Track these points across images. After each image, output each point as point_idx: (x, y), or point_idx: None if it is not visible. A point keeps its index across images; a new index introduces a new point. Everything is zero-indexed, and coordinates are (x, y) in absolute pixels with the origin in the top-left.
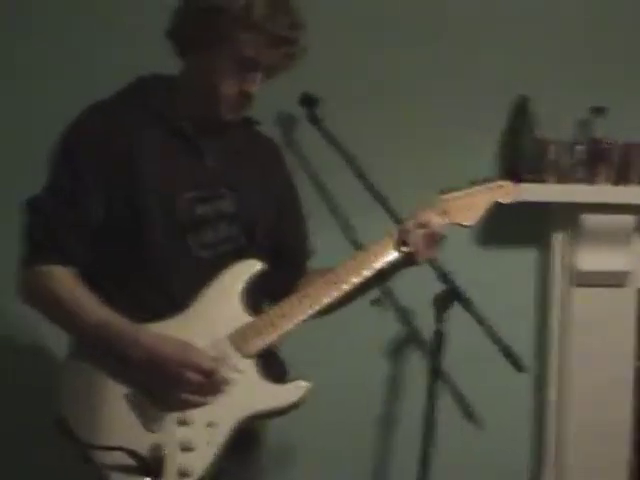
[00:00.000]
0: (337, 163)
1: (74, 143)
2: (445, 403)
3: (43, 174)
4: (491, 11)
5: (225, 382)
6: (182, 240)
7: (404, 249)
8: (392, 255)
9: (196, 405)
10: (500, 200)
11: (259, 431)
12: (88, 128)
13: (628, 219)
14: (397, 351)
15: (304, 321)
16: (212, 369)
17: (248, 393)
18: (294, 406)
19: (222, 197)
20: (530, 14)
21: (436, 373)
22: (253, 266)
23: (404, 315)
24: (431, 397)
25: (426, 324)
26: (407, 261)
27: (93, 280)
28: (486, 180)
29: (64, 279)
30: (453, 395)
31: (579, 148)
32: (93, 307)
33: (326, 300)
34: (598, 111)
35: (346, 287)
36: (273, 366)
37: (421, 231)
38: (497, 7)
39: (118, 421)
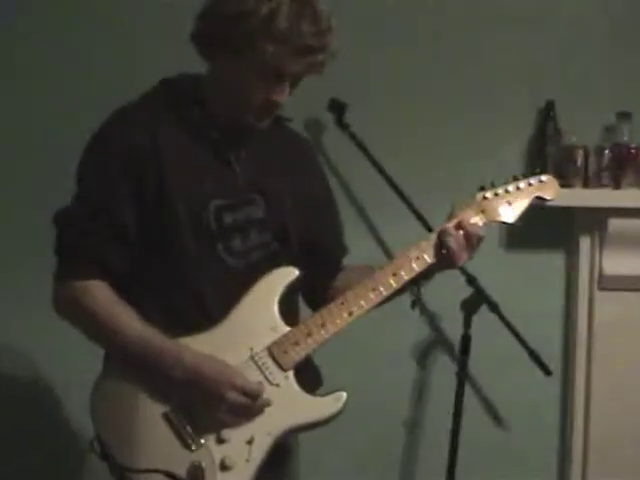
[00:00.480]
0: (365, 168)
1: (102, 151)
2: (472, 406)
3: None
4: (521, 18)
5: (267, 404)
6: (212, 249)
7: (443, 252)
8: (431, 258)
9: (234, 424)
10: (543, 196)
11: (294, 443)
12: (115, 136)
13: None
14: (424, 355)
15: (341, 329)
16: (255, 391)
17: (286, 407)
18: (333, 418)
19: (251, 203)
20: (559, 20)
21: (463, 376)
22: (290, 274)
23: (432, 319)
24: (458, 400)
25: (453, 328)
26: (446, 264)
27: (126, 291)
28: (528, 174)
29: (101, 294)
30: (480, 398)
31: (605, 153)
32: (132, 324)
33: (365, 307)
34: (624, 116)
35: (385, 292)
36: (308, 372)
37: (460, 233)
38: (526, 14)
39: (156, 441)
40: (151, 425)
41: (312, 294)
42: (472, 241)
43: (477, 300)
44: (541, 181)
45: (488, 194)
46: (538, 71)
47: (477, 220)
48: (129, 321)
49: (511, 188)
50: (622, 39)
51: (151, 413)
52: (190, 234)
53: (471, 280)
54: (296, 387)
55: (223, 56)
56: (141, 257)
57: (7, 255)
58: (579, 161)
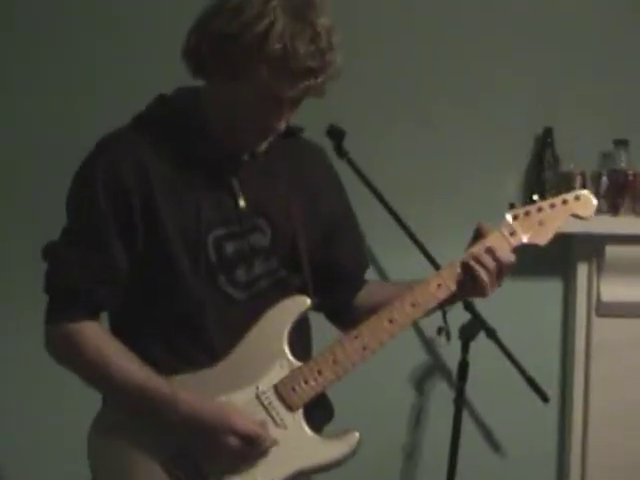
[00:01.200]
0: (363, 194)
1: (88, 189)
2: (470, 433)
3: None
4: (518, 47)
5: (271, 445)
6: (214, 282)
7: (470, 283)
8: (456, 286)
9: (236, 470)
10: (578, 213)
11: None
12: (101, 172)
13: None
14: (422, 381)
15: (356, 366)
16: (257, 436)
17: (294, 450)
18: (344, 460)
19: (256, 229)
20: (557, 48)
21: (461, 403)
22: (301, 304)
23: (429, 345)
24: (456, 427)
25: (451, 354)
26: (473, 294)
27: (123, 327)
28: (561, 191)
29: (92, 337)
30: (477, 425)
31: (603, 180)
32: (126, 368)
33: (383, 341)
34: (621, 143)
35: (403, 324)
36: (318, 404)
37: (490, 261)
38: (525, 42)
39: None
40: (150, 471)
41: (335, 314)
42: (502, 269)
43: (475, 326)
44: (577, 197)
45: (519, 213)
46: (536, 98)
47: (506, 244)
48: (122, 365)
49: (544, 207)
50: (620, 66)
51: (150, 459)
52: (188, 269)
53: (468, 306)
54: (305, 428)
55: (215, 78)
56: (138, 292)
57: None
58: (577, 188)
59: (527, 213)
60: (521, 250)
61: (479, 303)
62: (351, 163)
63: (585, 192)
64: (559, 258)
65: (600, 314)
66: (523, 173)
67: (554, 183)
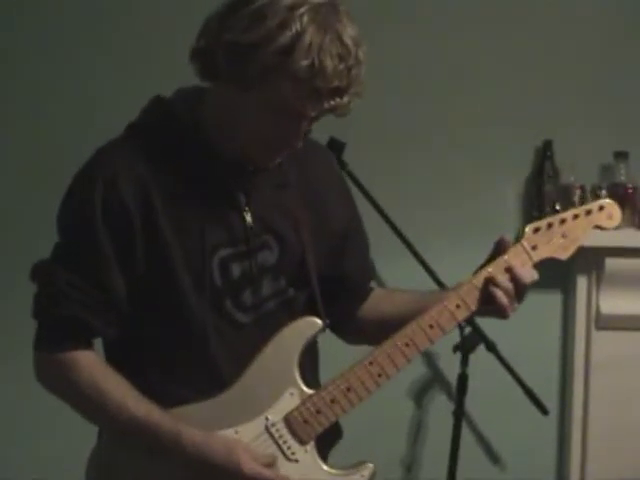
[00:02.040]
0: (362, 204)
1: (84, 199)
2: (469, 445)
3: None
4: (518, 61)
5: None
6: (219, 307)
7: (489, 306)
8: (475, 306)
9: None
10: (602, 225)
11: None
12: (98, 187)
13: None
14: (422, 393)
15: (371, 393)
16: (266, 477)
17: None
18: None
19: (263, 247)
20: (556, 64)
21: (460, 415)
22: (312, 326)
23: (429, 358)
24: (455, 439)
25: (451, 367)
26: (493, 315)
27: (122, 355)
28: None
29: (87, 368)
30: (477, 437)
31: (603, 193)
32: (125, 402)
33: (400, 366)
34: (621, 156)
35: (422, 347)
36: (328, 429)
37: (509, 284)
38: (523, 57)
39: None
40: None
41: (340, 324)
42: (523, 289)
43: (474, 339)
44: (601, 208)
45: (541, 225)
46: (536, 111)
47: (528, 260)
48: (120, 399)
49: (567, 218)
50: (619, 80)
51: None
52: (192, 293)
53: (468, 318)
54: (318, 462)
55: (228, 86)
56: (136, 318)
57: None
58: (576, 200)
59: (550, 225)
60: None
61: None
62: (350, 174)
63: (609, 201)
64: (559, 270)
65: (600, 327)
66: (523, 185)
67: (554, 195)
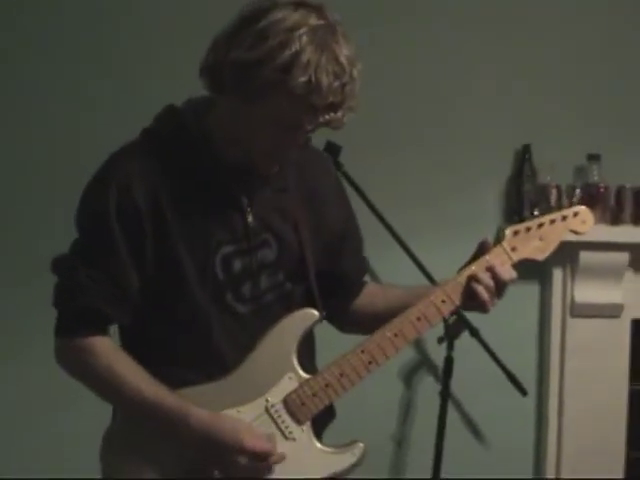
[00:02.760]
0: (357, 204)
1: (99, 199)
2: (454, 422)
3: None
4: (501, 71)
5: (279, 460)
6: (221, 299)
7: (472, 300)
8: (459, 301)
9: None
10: (576, 229)
11: None
12: (111, 190)
13: (622, 256)
14: (411, 375)
15: (362, 379)
16: (266, 452)
17: (302, 462)
18: (350, 470)
19: (263, 245)
20: (535, 73)
21: (446, 395)
22: (310, 317)
23: (417, 342)
24: (441, 417)
25: (437, 351)
26: (474, 309)
27: (134, 343)
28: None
29: (103, 353)
30: (462, 415)
31: (577, 192)
32: (135, 384)
33: (386, 355)
34: (593, 158)
35: (409, 338)
36: (322, 411)
37: (490, 281)
38: (506, 68)
39: None
40: None
41: (335, 316)
42: (503, 287)
43: (459, 326)
44: (576, 214)
45: (520, 229)
46: (516, 117)
47: (507, 260)
48: (133, 382)
49: (545, 222)
50: (593, 89)
51: (163, 474)
52: (197, 287)
53: (453, 313)
54: (313, 441)
55: (233, 99)
56: (148, 309)
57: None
58: (553, 199)
59: (528, 229)
60: None
61: None
62: (346, 175)
63: (583, 208)
64: (536, 263)
65: (574, 315)
66: (504, 185)
67: (532, 195)
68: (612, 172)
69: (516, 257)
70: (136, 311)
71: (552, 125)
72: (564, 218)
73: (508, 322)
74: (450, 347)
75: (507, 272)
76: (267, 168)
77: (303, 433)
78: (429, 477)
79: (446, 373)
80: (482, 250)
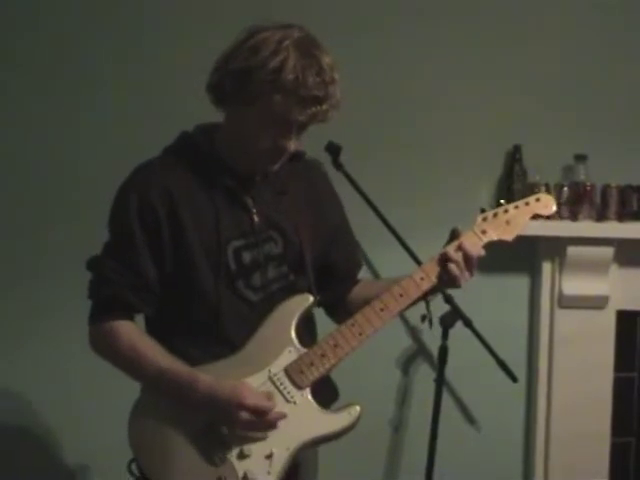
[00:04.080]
0: (357, 201)
1: (122, 211)
2: (449, 408)
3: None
4: (494, 77)
5: (280, 417)
6: (233, 287)
7: (445, 276)
8: (435, 280)
9: (254, 440)
10: (540, 212)
11: (312, 457)
12: (133, 196)
13: (607, 250)
14: (407, 363)
15: (354, 349)
16: (265, 408)
17: (303, 422)
18: (347, 430)
19: (269, 240)
20: (525, 76)
21: (441, 382)
22: (305, 300)
23: (413, 332)
24: (436, 403)
25: (433, 340)
26: (449, 285)
27: (157, 330)
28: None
29: (126, 334)
30: (455, 401)
31: (565, 190)
32: (153, 358)
33: (374, 327)
34: (580, 158)
35: (394, 312)
36: (325, 388)
37: (460, 256)
38: (497, 74)
39: (186, 460)
40: (182, 446)
41: (332, 308)
42: (472, 262)
43: (453, 316)
44: (538, 200)
45: (488, 215)
46: (507, 119)
47: (477, 241)
48: (150, 356)
49: (509, 208)
50: (579, 92)
51: (181, 435)
52: (210, 277)
53: (448, 299)
54: (312, 403)
55: (235, 106)
56: (168, 299)
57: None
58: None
59: (495, 215)
60: (493, 251)
61: (458, 296)
62: (346, 174)
63: (544, 194)
64: (526, 257)
65: (562, 306)
66: (495, 184)
67: (522, 193)
68: (598, 171)
69: (486, 238)
70: (156, 301)
71: (541, 127)
72: (527, 204)
73: (500, 313)
74: (445, 337)
75: (474, 248)
76: (266, 166)
77: (303, 397)
78: (425, 458)
79: (441, 361)
80: (455, 236)
